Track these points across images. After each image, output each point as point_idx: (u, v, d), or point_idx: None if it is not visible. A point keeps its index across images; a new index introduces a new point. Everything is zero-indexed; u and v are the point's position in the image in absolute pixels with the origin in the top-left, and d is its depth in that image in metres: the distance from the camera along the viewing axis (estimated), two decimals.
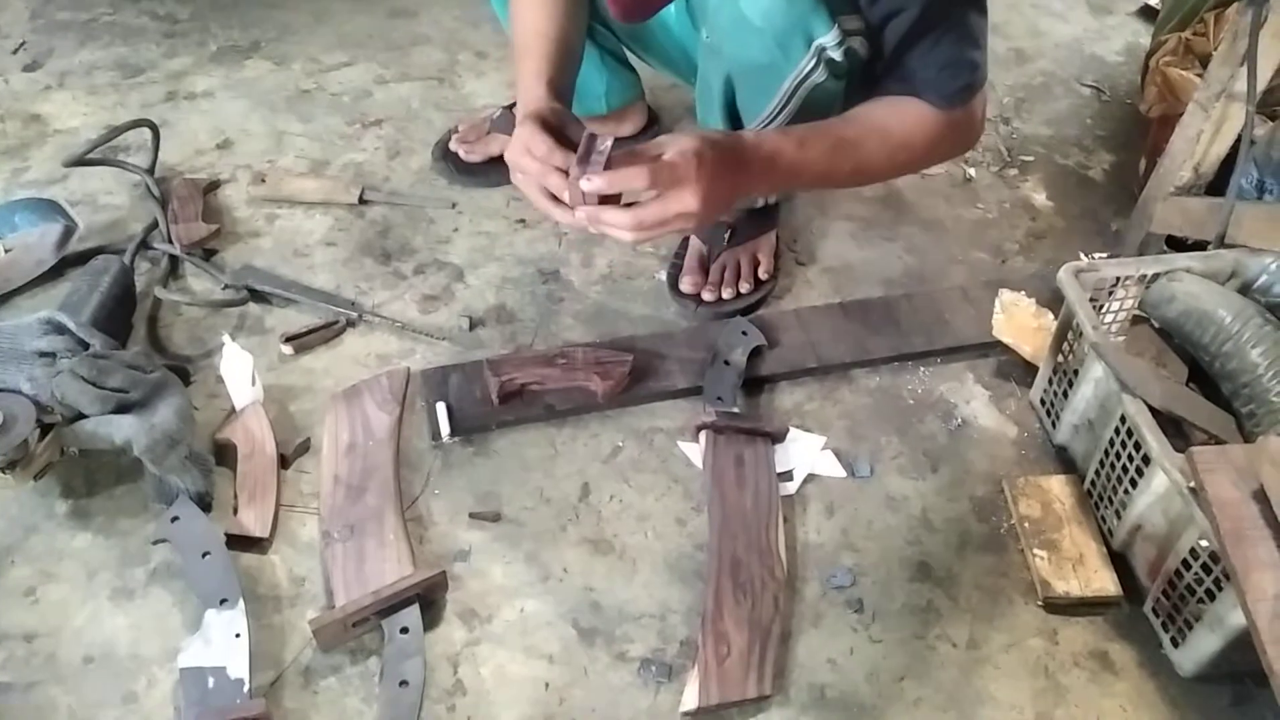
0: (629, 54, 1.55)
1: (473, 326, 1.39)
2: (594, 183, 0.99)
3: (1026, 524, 1.16)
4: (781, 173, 1.09)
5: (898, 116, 1.14)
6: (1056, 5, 2.17)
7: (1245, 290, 1.20)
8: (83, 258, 1.40)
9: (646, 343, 1.34)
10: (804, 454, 1.24)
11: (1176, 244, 1.44)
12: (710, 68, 1.23)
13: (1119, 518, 1.12)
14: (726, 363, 1.30)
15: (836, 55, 1.11)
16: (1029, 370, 1.33)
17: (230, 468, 1.18)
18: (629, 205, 1.03)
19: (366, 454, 1.19)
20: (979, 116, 1.19)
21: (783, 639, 1.06)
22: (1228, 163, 1.36)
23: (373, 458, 1.18)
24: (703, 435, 1.22)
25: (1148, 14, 2.11)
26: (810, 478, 1.23)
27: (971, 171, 1.71)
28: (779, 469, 1.21)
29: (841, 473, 1.23)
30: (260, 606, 1.07)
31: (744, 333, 1.33)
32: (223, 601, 1.03)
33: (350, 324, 1.38)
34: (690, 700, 1.00)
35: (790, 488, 1.21)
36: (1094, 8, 2.18)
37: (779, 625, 1.06)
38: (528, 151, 1.04)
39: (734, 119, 1.27)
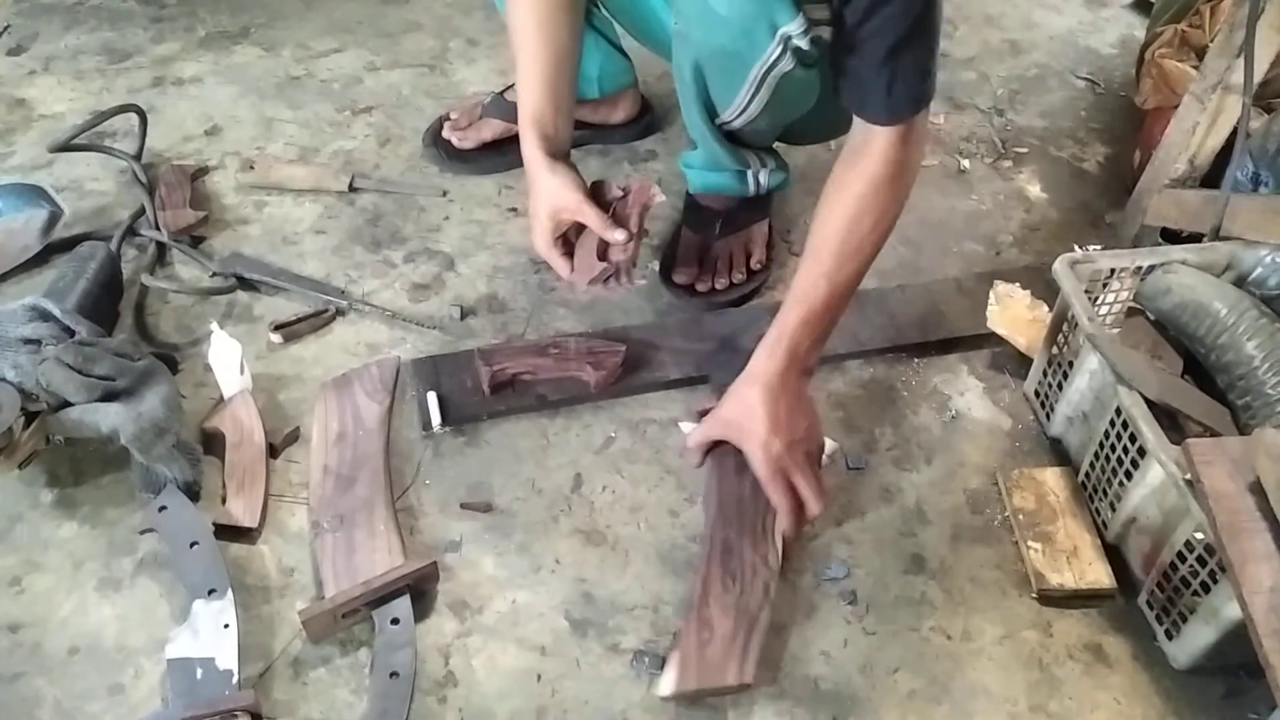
0: (623, 39, 1.54)
1: (464, 316, 1.38)
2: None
3: (1021, 516, 1.16)
4: (812, 354, 1.14)
5: (853, 200, 1.10)
6: None
7: (1240, 283, 1.20)
8: (68, 244, 1.39)
9: (639, 333, 1.33)
10: None
11: (1171, 236, 1.44)
12: (681, 55, 1.22)
13: (1114, 510, 1.11)
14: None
15: (803, 44, 1.09)
16: (1023, 362, 1.33)
17: (218, 457, 1.17)
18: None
19: (356, 444, 1.18)
20: (920, 133, 1.12)
21: (774, 630, 1.06)
22: (1223, 155, 1.36)
23: (363, 447, 1.17)
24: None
25: (1143, 6, 2.11)
26: None
27: (966, 163, 1.71)
28: None
29: (836, 464, 1.23)
30: (249, 597, 1.06)
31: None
32: (211, 592, 1.01)
33: (340, 312, 1.37)
34: (668, 685, 0.98)
35: None
36: (1089, 0, 2.17)
37: (768, 614, 1.04)
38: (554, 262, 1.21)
39: (709, 108, 1.25)
